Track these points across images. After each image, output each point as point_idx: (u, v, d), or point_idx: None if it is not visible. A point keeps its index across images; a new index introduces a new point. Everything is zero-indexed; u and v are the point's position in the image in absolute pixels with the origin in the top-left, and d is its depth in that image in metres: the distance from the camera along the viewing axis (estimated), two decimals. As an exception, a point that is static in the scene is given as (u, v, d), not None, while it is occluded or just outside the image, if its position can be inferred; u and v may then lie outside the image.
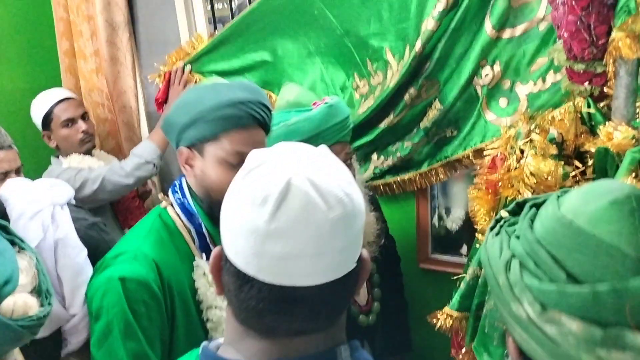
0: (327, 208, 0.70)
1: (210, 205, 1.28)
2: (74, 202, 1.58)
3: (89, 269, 1.45)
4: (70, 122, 2.25)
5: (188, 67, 2.19)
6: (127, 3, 2.47)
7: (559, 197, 0.77)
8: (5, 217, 1.40)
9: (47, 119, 2.25)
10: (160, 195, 1.36)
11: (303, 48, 2.04)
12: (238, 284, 0.72)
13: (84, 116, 2.31)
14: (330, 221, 0.70)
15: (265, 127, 1.29)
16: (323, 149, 0.78)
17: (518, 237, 0.77)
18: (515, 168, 1.22)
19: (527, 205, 0.82)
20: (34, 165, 2.48)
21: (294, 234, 0.69)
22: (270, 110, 1.30)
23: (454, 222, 2.18)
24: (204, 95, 1.25)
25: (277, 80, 2.10)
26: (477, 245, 1.43)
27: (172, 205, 1.33)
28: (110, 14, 2.47)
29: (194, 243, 1.30)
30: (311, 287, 0.70)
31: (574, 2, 1.30)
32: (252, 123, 1.25)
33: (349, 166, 1.60)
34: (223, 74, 2.17)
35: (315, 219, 0.70)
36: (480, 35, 1.67)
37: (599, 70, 1.33)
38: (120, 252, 1.24)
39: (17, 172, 1.85)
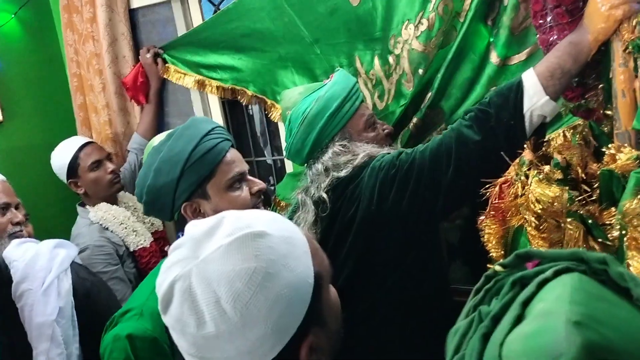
0: (197, 325, 0.74)
1: None
2: (78, 261, 1.62)
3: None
4: (97, 164, 2.29)
5: (161, 51, 2.37)
6: (134, 56, 2.55)
7: (540, 286, 0.61)
8: (8, 279, 1.43)
9: (73, 166, 2.29)
10: (168, 247, 1.39)
11: (274, 52, 2.13)
12: None
13: (109, 157, 2.36)
14: (203, 337, 0.74)
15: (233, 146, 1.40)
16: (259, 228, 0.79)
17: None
18: (522, 195, 1.23)
19: (510, 281, 0.65)
20: (52, 217, 2.55)
21: (177, 335, 0.77)
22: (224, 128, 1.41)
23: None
24: (175, 147, 1.29)
25: (249, 78, 2.23)
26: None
27: None
28: (118, 67, 2.55)
29: None
30: None
31: (567, 25, 1.32)
32: (228, 145, 1.35)
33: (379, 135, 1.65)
34: (197, 65, 2.32)
35: (188, 331, 0.75)
36: (487, 65, 1.70)
37: (591, 106, 1.35)
38: (128, 309, 1.26)
39: (17, 207, 1.89)
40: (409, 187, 1.37)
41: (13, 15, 2.58)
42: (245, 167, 1.39)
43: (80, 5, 2.55)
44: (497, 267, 0.69)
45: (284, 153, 1.71)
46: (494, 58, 1.68)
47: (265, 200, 1.47)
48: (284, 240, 0.79)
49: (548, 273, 0.61)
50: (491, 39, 1.68)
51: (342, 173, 1.49)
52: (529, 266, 0.65)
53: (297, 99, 1.63)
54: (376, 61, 1.91)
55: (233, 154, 1.36)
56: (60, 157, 2.32)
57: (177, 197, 1.29)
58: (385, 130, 1.67)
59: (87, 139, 2.39)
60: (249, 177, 1.40)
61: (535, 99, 1.28)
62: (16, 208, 1.87)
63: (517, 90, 1.29)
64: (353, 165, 1.49)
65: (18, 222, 1.92)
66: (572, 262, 0.62)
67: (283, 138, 2.35)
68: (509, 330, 0.57)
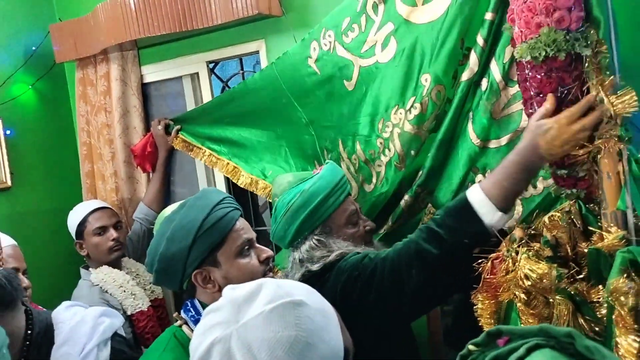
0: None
1: None
2: (122, 332, 1.67)
3: None
4: (102, 230, 2.35)
5: (177, 127, 2.45)
6: (144, 127, 2.65)
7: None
8: (51, 338, 1.45)
9: (81, 227, 2.35)
10: (175, 315, 1.41)
11: (272, 130, 2.22)
12: None
13: (117, 225, 2.41)
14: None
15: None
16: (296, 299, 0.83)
17: None
18: (512, 271, 1.26)
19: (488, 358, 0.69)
20: (56, 281, 2.59)
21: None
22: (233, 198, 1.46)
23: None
24: (187, 216, 1.34)
25: (246, 155, 2.31)
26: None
27: (186, 323, 1.37)
28: (128, 138, 2.66)
29: None
30: None
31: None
32: (238, 215, 1.41)
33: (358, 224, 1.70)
34: (202, 137, 2.41)
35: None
36: (467, 144, 1.75)
37: (581, 174, 1.40)
38: None
39: (24, 273, 1.92)
40: (371, 292, 1.43)
41: (30, 87, 2.72)
42: (253, 234, 1.44)
43: (95, 79, 2.68)
44: (471, 347, 0.71)
45: (270, 235, 1.76)
46: (474, 137, 1.74)
47: None
48: (320, 312, 0.82)
49: (521, 351, 0.63)
50: (469, 120, 1.74)
51: (315, 267, 1.56)
52: (500, 343, 0.68)
53: (285, 188, 1.70)
54: (357, 146, 1.98)
55: (242, 222, 1.42)
56: (73, 217, 2.40)
57: (189, 265, 1.32)
58: (367, 227, 1.72)
59: (102, 204, 2.46)
60: (257, 245, 1.45)
61: (488, 218, 1.34)
62: (23, 273, 1.91)
63: (466, 212, 1.35)
64: (325, 262, 1.55)
65: (25, 287, 1.93)
66: (541, 337, 0.65)
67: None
68: None
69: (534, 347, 0.63)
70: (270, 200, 2.29)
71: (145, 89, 2.70)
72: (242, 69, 2.73)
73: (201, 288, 1.36)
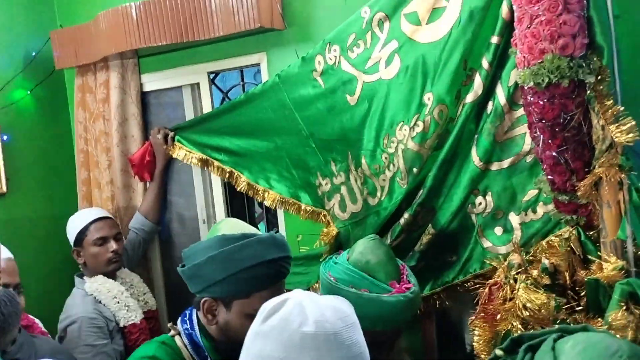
0: (300, 322, 0.82)
1: (228, 346, 1.32)
2: None
3: None
4: (102, 240, 2.32)
5: (171, 133, 2.46)
6: (142, 136, 2.64)
7: (555, 342, 0.76)
8: None
9: (81, 236, 2.32)
10: (170, 325, 1.40)
11: (271, 141, 2.23)
12: None
13: (117, 236, 2.38)
14: (300, 334, 0.82)
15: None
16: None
17: None
18: (510, 299, 1.25)
19: (522, 350, 0.80)
20: (49, 288, 2.58)
21: (271, 337, 0.84)
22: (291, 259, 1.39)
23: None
24: (238, 253, 1.30)
25: (246, 164, 2.32)
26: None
27: (179, 334, 1.36)
28: (126, 146, 2.63)
29: None
30: None
31: (549, 140, 1.40)
32: (281, 279, 1.36)
33: None
34: (203, 145, 2.42)
35: (289, 328, 0.82)
36: (469, 166, 1.76)
37: (583, 201, 1.40)
38: None
39: (16, 288, 1.89)
40: None
41: (29, 92, 2.70)
42: None
43: (95, 86, 2.66)
44: (498, 352, 0.85)
45: None
46: (476, 160, 1.74)
47: None
48: None
49: (554, 335, 0.79)
50: (474, 142, 1.75)
51: None
52: None
53: (361, 261, 1.60)
54: (363, 160, 2.00)
55: (273, 290, 1.33)
56: (74, 224, 2.37)
57: (206, 290, 1.31)
58: None
59: (105, 214, 2.43)
60: None
61: None
62: (15, 288, 1.89)
63: None
64: None
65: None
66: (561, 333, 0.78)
67: (281, 222, 2.42)
68: None
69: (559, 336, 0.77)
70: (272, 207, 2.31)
71: (144, 98, 2.68)
72: (242, 80, 2.72)
73: (201, 312, 1.35)
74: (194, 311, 1.38)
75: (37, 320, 2.09)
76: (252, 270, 1.28)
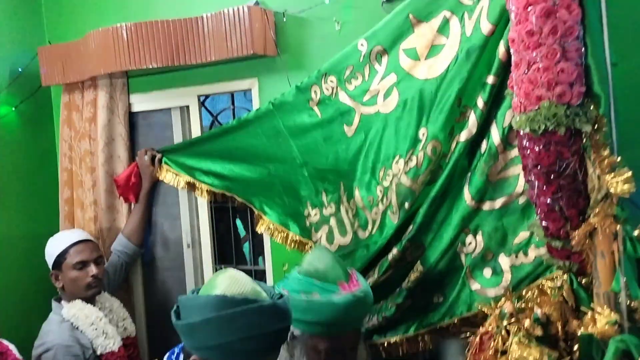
0: None
1: None
2: None
3: None
4: (82, 264, 2.24)
5: (159, 155, 2.40)
6: (129, 157, 2.59)
7: None
8: None
9: (60, 259, 2.25)
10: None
11: (264, 167, 2.20)
12: None
13: (98, 260, 2.30)
14: None
15: None
16: None
17: None
18: (502, 352, 1.22)
19: None
20: (25, 310, 2.51)
21: None
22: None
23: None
24: (236, 321, 1.21)
25: (239, 188, 2.26)
26: None
27: None
28: (111, 166, 2.58)
29: None
30: None
31: (544, 186, 1.38)
32: (277, 350, 1.31)
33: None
34: (191, 169, 2.34)
35: None
36: (461, 203, 1.74)
37: (577, 249, 1.38)
38: None
39: None
40: None
41: (14, 108, 2.64)
42: None
43: (82, 104, 2.61)
44: None
45: None
46: (468, 198, 1.73)
47: None
48: None
49: None
50: (466, 180, 1.74)
51: None
52: None
53: (310, 270, 1.64)
54: (356, 192, 1.98)
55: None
56: (53, 246, 2.30)
57: (198, 350, 1.25)
58: None
59: (86, 236, 2.36)
60: None
61: None
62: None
63: None
64: None
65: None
66: None
67: (267, 246, 2.38)
68: None
69: None
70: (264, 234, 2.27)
71: (132, 118, 2.63)
72: (233, 104, 2.69)
73: None
74: (182, 356, 1.34)
75: (11, 347, 2.01)
76: (247, 341, 1.21)
